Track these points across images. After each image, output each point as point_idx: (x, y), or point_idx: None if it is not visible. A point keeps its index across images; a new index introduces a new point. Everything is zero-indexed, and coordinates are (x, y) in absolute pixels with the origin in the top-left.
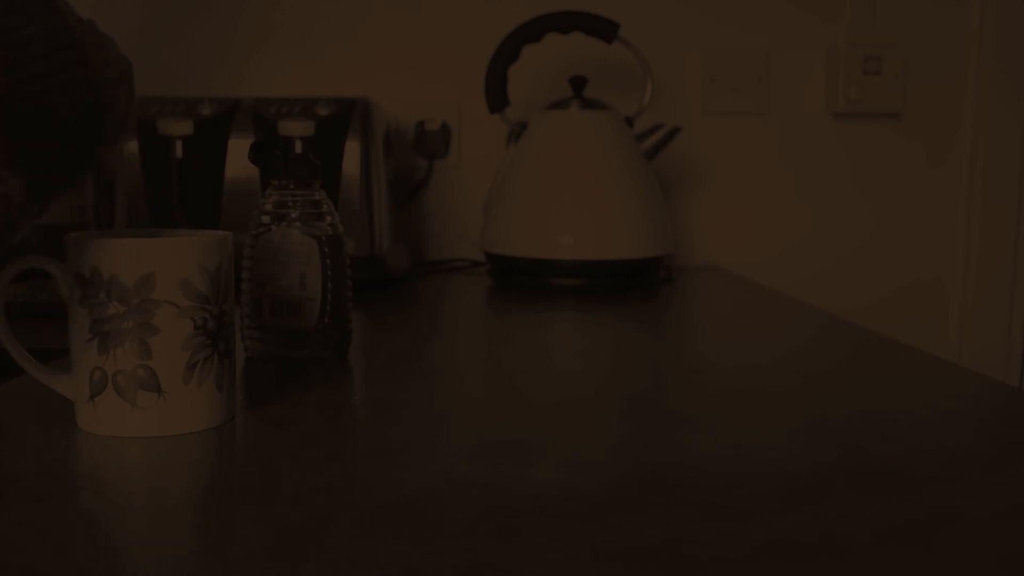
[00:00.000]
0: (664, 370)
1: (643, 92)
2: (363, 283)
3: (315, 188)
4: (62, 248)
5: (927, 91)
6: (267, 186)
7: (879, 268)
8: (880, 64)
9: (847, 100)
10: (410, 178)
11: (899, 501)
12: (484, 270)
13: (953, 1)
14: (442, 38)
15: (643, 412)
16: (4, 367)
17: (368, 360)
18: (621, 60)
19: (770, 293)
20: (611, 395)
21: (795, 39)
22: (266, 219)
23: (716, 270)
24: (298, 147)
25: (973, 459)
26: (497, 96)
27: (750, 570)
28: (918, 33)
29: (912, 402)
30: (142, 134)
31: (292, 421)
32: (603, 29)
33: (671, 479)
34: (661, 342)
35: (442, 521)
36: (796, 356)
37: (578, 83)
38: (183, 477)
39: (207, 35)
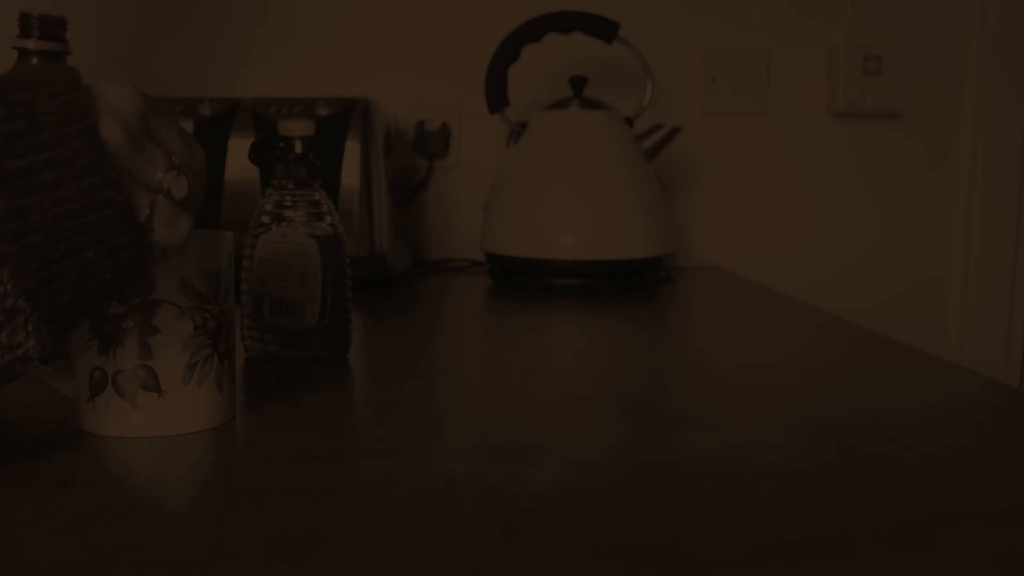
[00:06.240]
0: (664, 370)
1: (643, 92)
2: (363, 283)
3: (315, 188)
4: None
5: (927, 91)
6: (267, 186)
7: (879, 268)
8: (880, 64)
9: (847, 100)
10: (410, 178)
11: (899, 501)
12: (484, 270)
13: (953, 1)
14: (442, 38)
15: (643, 412)
16: None
17: (368, 360)
18: (621, 60)
19: (770, 293)
20: (611, 395)
21: (795, 39)
22: (266, 219)
23: (716, 270)
24: (298, 147)
25: (973, 459)
26: (497, 96)
27: (750, 570)
28: (918, 33)
29: (912, 402)
30: None
31: (292, 421)
32: (603, 29)
33: (671, 479)
34: (661, 342)
35: (442, 521)
36: (796, 356)
37: (578, 83)
38: (183, 477)
39: (205, 33)
